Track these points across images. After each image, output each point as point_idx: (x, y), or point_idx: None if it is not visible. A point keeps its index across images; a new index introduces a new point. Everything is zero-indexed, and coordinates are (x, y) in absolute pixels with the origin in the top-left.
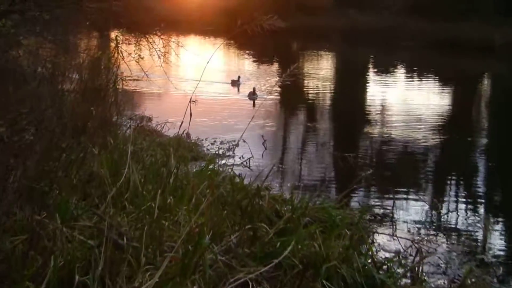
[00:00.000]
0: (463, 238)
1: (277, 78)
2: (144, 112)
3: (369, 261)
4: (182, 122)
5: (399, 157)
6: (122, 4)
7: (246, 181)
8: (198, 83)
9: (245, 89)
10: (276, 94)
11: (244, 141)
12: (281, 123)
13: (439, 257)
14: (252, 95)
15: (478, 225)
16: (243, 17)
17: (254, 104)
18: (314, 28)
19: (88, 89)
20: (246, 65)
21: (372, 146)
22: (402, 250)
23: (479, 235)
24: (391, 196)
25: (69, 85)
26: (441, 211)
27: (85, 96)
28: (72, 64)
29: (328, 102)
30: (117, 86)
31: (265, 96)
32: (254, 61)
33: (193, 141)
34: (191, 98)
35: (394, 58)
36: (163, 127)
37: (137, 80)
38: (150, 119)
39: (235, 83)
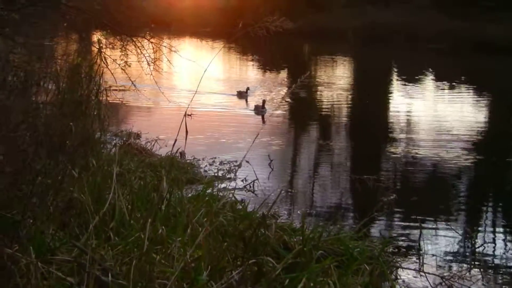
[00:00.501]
0: (501, 275)
1: (286, 89)
2: (132, 127)
3: None
4: (176, 140)
5: (426, 180)
6: (105, 2)
7: (249, 208)
8: (194, 94)
9: (255, 102)
10: (285, 107)
11: (248, 162)
12: (290, 141)
13: None
14: (261, 110)
15: None
16: (245, 17)
17: (263, 120)
18: (326, 28)
19: (66, 101)
20: (250, 72)
21: (396, 167)
22: None
23: None
24: (417, 225)
25: (45, 96)
26: (476, 242)
27: (63, 109)
28: (48, 72)
29: (344, 115)
30: (100, 98)
31: (273, 110)
32: (259, 68)
33: (188, 161)
34: (186, 112)
35: (419, 63)
36: (153, 145)
37: (123, 90)
38: (138, 136)
39: (243, 95)
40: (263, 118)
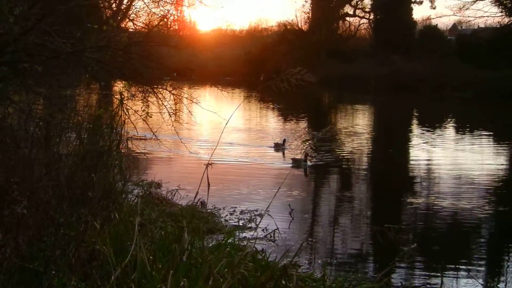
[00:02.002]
0: None
1: (309, 139)
2: (153, 177)
3: None
4: (197, 191)
5: (448, 229)
6: (127, 54)
7: (270, 258)
8: (216, 145)
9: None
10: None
11: (268, 211)
12: (310, 190)
13: None
14: (303, 162)
15: None
16: (266, 67)
17: (306, 173)
18: (349, 77)
19: (88, 153)
20: (273, 122)
21: (416, 216)
22: None
23: None
24: (438, 274)
25: (67, 148)
26: None
27: (85, 160)
28: (70, 124)
29: (365, 164)
30: (122, 149)
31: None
32: (281, 118)
33: (209, 210)
34: (208, 163)
35: (443, 111)
36: (174, 194)
37: (144, 140)
38: (159, 186)
39: (279, 147)
40: (305, 171)
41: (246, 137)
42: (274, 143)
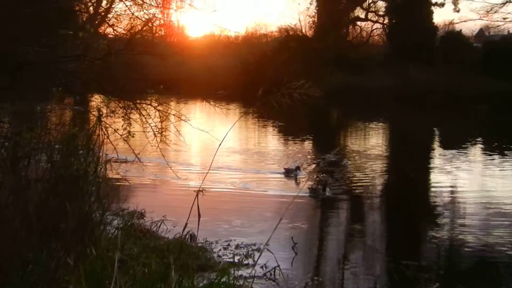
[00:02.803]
0: None
1: (316, 163)
2: (135, 206)
3: None
4: (186, 223)
5: (474, 268)
6: (106, 63)
7: None
8: (208, 170)
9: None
10: (312, 181)
11: (267, 245)
12: (316, 221)
13: None
14: (321, 192)
15: None
16: (265, 79)
17: (324, 203)
18: (360, 89)
19: (61, 178)
20: (274, 143)
21: (439, 252)
22: None
23: None
24: None
25: (36, 172)
26: None
27: (57, 186)
28: (40, 144)
29: (380, 191)
30: (100, 173)
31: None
32: (283, 137)
33: (200, 244)
34: (198, 190)
35: (466, 127)
36: (159, 226)
37: (126, 164)
38: (142, 216)
39: (291, 173)
40: (323, 202)
41: (244, 161)
42: (284, 168)
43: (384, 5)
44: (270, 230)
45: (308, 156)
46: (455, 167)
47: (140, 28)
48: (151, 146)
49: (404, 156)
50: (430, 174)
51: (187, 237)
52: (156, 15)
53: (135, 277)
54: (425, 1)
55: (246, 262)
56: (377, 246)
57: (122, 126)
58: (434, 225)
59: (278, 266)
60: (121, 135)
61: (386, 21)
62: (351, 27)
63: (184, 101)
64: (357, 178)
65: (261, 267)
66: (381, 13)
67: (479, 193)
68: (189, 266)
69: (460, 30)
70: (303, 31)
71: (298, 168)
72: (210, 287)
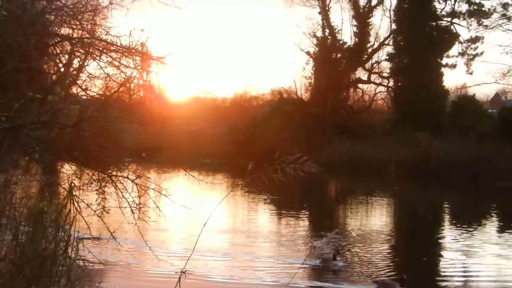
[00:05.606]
0: None
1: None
2: None
3: None
4: None
5: None
6: (77, 130)
7: None
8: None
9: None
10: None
11: None
12: None
13: None
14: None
15: None
16: (255, 147)
17: (334, 274)
18: (362, 160)
19: (27, 259)
20: (266, 221)
21: None
22: None
23: None
24: None
25: (0, 251)
26: None
27: (23, 269)
28: (4, 221)
29: (385, 275)
30: (71, 253)
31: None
32: (276, 214)
33: None
34: (181, 271)
35: (480, 204)
36: None
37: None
38: None
39: (328, 262)
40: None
41: (233, 242)
42: (319, 257)
43: (389, 65)
44: None
45: (301, 234)
46: (469, 248)
47: (116, 90)
48: (128, 223)
49: (410, 236)
50: (441, 256)
51: None
52: (134, 75)
53: None
54: (435, 62)
55: None
56: None
57: (96, 200)
58: None
59: None
60: (94, 211)
61: (391, 83)
62: (351, 90)
63: (165, 171)
64: (352, 262)
65: None
66: (385, 74)
67: (495, 278)
68: None
69: (474, 94)
70: (299, 94)
71: (335, 255)
72: None
